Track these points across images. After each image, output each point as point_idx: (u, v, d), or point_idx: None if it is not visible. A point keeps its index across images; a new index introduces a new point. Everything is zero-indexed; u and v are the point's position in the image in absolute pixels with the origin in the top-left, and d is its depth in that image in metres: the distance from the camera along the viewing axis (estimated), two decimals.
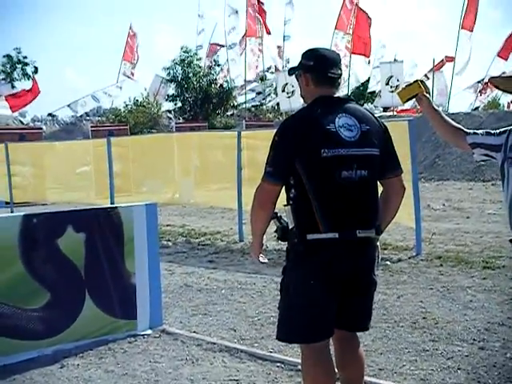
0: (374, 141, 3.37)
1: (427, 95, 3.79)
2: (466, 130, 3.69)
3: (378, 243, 3.54)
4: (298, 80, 3.52)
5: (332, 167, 3.25)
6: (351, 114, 3.35)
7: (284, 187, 3.37)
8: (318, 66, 3.39)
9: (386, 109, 34.44)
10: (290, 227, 3.34)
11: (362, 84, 36.82)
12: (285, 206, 3.37)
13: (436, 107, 3.89)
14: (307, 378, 3.47)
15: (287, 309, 3.42)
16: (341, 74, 3.46)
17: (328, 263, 3.27)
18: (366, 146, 3.33)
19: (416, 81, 3.89)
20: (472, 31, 29.50)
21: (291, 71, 3.58)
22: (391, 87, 30.00)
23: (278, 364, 4.84)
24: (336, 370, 3.59)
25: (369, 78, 36.89)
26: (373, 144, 3.36)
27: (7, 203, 16.67)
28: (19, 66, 42.75)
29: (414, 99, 3.87)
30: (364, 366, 3.65)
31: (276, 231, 3.44)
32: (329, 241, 3.24)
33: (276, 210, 3.44)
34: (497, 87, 3.97)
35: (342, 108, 3.36)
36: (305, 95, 3.51)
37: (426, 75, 35.86)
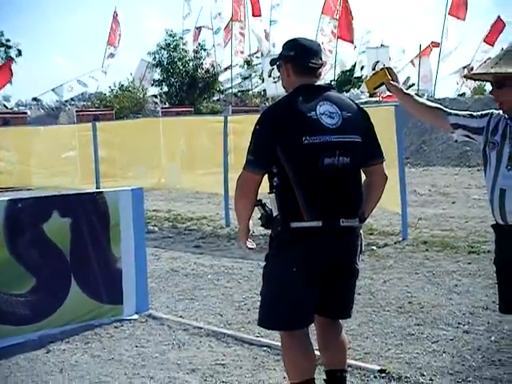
0: (356, 128, 3.38)
1: (393, 82, 3.78)
2: (445, 109, 3.69)
3: (362, 231, 3.55)
4: (279, 70, 3.54)
5: (314, 154, 3.25)
6: (332, 101, 3.36)
7: (267, 175, 3.37)
8: (299, 56, 3.41)
9: (372, 94, 34.49)
10: (274, 215, 3.34)
11: (349, 70, 36.81)
12: (269, 193, 3.37)
13: (406, 91, 3.88)
14: (288, 364, 3.51)
15: (269, 296, 3.45)
16: (321, 64, 3.47)
17: (311, 251, 3.29)
18: (348, 133, 3.33)
19: (382, 68, 3.87)
20: (464, 20, 29.40)
21: (272, 61, 3.60)
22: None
23: (265, 348, 4.86)
24: (318, 353, 3.63)
25: (355, 64, 36.87)
26: (355, 131, 3.36)
27: None
28: (2, 49, 42.30)
29: (384, 87, 3.86)
30: (346, 350, 3.67)
31: (260, 218, 3.43)
32: (312, 229, 3.26)
33: (260, 197, 3.43)
34: (473, 79, 3.98)
35: (323, 96, 3.37)
36: (286, 85, 3.53)
37: (412, 61, 35.94)
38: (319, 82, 3.51)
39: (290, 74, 3.46)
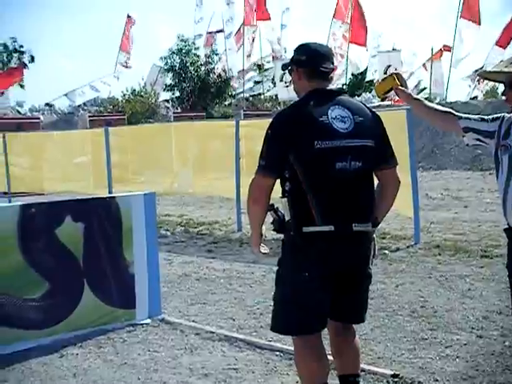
0: (368, 132, 3.37)
1: (402, 88, 3.77)
2: (456, 113, 3.67)
3: (375, 235, 3.54)
4: (290, 74, 3.54)
5: (326, 159, 3.25)
6: (344, 105, 3.36)
7: (279, 180, 3.36)
8: (310, 61, 3.42)
9: (383, 98, 34.36)
10: (286, 219, 3.34)
11: (360, 73, 36.75)
12: (281, 197, 3.36)
13: (415, 96, 3.88)
14: (301, 369, 3.51)
15: (281, 301, 3.44)
16: (333, 69, 3.48)
17: (323, 256, 3.28)
18: (360, 138, 3.33)
19: (391, 74, 3.87)
20: (478, 23, 29.20)
21: (284, 66, 3.62)
22: None
23: (277, 353, 4.86)
24: (332, 358, 3.64)
25: (367, 67, 36.80)
26: (367, 135, 3.36)
27: (5, 193, 16.65)
28: (15, 55, 42.60)
29: (393, 92, 3.86)
30: (359, 355, 3.66)
31: (273, 223, 3.43)
32: (324, 234, 3.25)
33: (272, 202, 3.43)
34: (487, 79, 3.98)
35: (335, 100, 3.37)
36: (298, 89, 3.53)
37: (424, 65, 35.84)
38: (331, 87, 3.51)
39: (301, 78, 3.46)
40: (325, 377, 3.46)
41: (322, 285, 3.31)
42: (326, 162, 3.25)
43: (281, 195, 3.37)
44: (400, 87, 3.77)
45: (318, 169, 3.25)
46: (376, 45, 38.61)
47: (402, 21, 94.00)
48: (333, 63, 3.49)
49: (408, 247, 8.71)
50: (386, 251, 8.39)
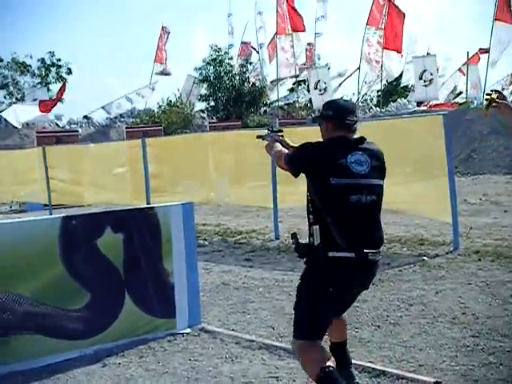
0: (382, 174, 3.89)
1: (501, 101, 3.90)
2: None
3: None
4: (320, 126, 4.01)
5: (341, 192, 3.68)
6: (365, 151, 3.82)
7: (311, 207, 3.82)
8: (337, 115, 3.89)
9: (419, 103, 34.14)
10: (316, 244, 3.74)
11: (396, 79, 36.55)
12: (313, 224, 3.79)
13: None
14: (307, 363, 3.84)
15: (306, 311, 3.85)
16: (356, 121, 3.93)
17: (345, 278, 3.74)
18: (375, 178, 3.81)
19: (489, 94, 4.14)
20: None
21: (314, 119, 4.18)
22: (424, 81, 29.75)
23: None
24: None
25: (401, 73, 36.60)
26: (380, 176, 3.87)
27: (46, 206, 16.91)
28: (53, 69, 43.26)
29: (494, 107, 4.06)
30: (346, 326, 4.35)
31: (296, 250, 3.87)
32: (347, 259, 3.68)
33: (295, 231, 4.04)
34: None
35: (356, 147, 3.82)
36: (325, 137, 3.99)
37: (460, 69, 35.51)
38: (354, 136, 3.92)
39: (328, 129, 3.93)
40: (330, 358, 3.82)
41: (338, 301, 3.84)
42: (340, 194, 3.68)
43: (313, 222, 3.80)
44: (499, 100, 3.89)
45: (332, 199, 3.69)
46: (412, 50, 38.38)
47: (437, 25, 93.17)
48: (356, 116, 3.96)
49: (447, 253, 8.62)
50: (425, 258, 8.33)
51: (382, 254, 3.87)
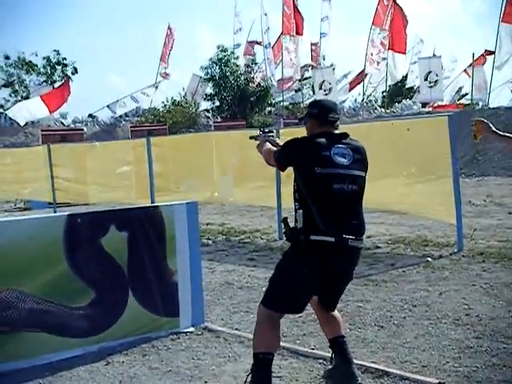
0: (363, 167, 4.18)
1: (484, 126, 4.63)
2: None
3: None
4: (305, 124, 4.34)
5: (324, 180, 3.97)
6: (347, 145, 4.14)
7: (295, 194, 4.11)
8: (321, 113, 4.24)
9: (424, 104, 34.11)
10: (299, 227, 4.01)
11: (400, 81, 36.50)
12: (297, 209, 4.06)
13: (500, 132, 4.61)
14: (259, 336, 4.15)
15: (279, 283, 4.13)
16: (338, 118, 4.28)
17: (323, 261, 3.98)
18: (356, 169, 4.09)
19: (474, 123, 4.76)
20: None
21: (301, 120, 4.44)
22: (430, 83, 29.72)
23: (320, 361, 4.86)
24: (321, 327, 4.56)
25: (406, 74, 36.55)
26: (362, 168, 4.15)
27: (50, 204, 16.94)
28: (59, 67, 43.31)
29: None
30: (341, 321, 4.47)
31: (285, 233, 4.15)
32: (326, 243, 3.92)
33: (285, 215, 4.33)
34: None
35: (340, 141, 4.12)
36: (310, 133, 4.28)
37: (465, 70, 35.47)
38: (336, 131, 4.25)
39: (314, 126, 4.25)
40: (274, 349, 4.19)
41: (313, 281, 4.05)
42: (325, 183, 3.97)
43: (297, 207, 4.07)
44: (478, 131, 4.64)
45: (317, 187, 3.97)
46: (417, 51, 38.35)
47: (443, 26, 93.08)
48: (338, 114, 4.32)
49: (451, 254, 8.62)
50: (429, 258, 8.32)
51: (363, 242, 4.15)
